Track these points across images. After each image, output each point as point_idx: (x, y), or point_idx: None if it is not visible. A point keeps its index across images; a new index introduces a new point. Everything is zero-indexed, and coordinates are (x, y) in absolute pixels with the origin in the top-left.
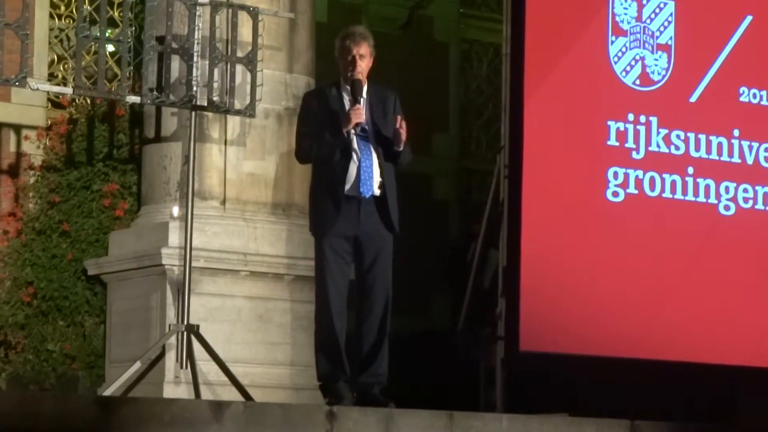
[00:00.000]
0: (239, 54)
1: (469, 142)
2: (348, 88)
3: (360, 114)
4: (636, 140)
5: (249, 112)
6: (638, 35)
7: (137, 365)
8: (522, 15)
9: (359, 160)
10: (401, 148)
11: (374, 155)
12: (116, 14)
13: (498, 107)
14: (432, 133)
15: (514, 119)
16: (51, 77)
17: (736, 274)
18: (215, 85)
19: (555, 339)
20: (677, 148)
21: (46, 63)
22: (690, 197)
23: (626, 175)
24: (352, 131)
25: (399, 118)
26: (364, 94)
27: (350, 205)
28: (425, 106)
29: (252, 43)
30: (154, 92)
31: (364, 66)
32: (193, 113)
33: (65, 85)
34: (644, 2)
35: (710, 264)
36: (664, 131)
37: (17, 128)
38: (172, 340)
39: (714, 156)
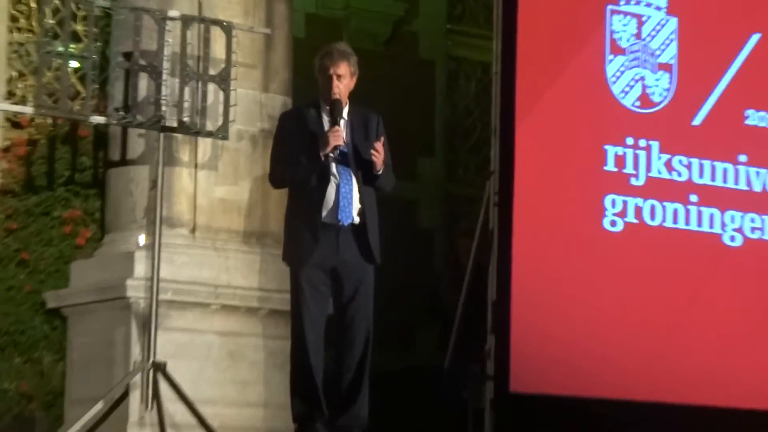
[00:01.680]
0: (212, 72)
1: (457, 167)
2: (327, 108)
3: (339, 136)
4: (635, 166)
5: (221, 133)
6: (638, 54)
7: (99, 405)
8: (513, 31)
9: (338, 186)
10: (379, 172)
11: (354, 180)
12: (80, 28)
13: (487, 130)
14: (417, 157)
15: (504, 143)
16: (9, 95)
17: (742, 309)
18: (186, 104)
19: (548, 379)
20: (679, 174)
21: (3, 80)
22: (693, 227)
23: (625, 203)
24: (331, 154)
25: (381, 141)
26: (345, 115)
27: (328, 234)
28: (410, 127)
29: (225, 60)
30: (121, 112)
31: (342, 87)
32: (162, 135)
33: (24, 103)
34: (644, 19)
35: (715, 298)
36: (665, 156)
37: None
38: (137, 378)
39: (719, 183)
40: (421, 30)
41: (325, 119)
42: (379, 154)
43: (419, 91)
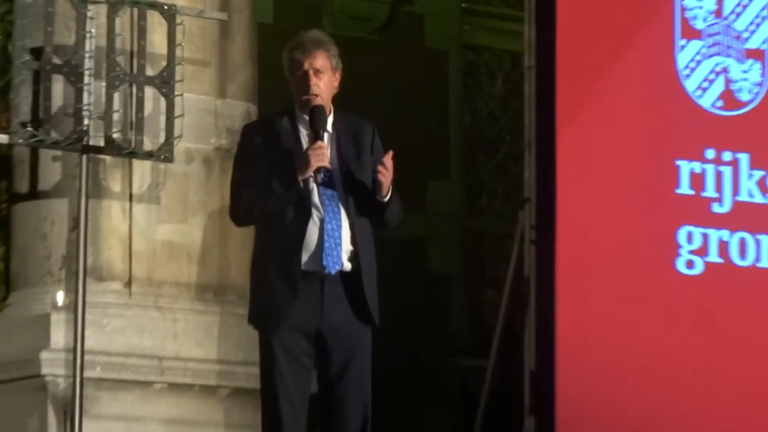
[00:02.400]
0: (150, 72)
1: (479, 193)
2: (305, 117)
3: (322, 154)
4: (718, 187)
5: (164, 154)
6: (718, 38)
7: None
8: (552, 11)
9: (321, 220)
10: (387, 197)
11: (343, 212)
12: None
13: (518, 142)
14: (426, 180)
15: (542, 159)
16: None
17: None
18: (116, 116)
19: None
20: None
21: None
22: None
23: (705, 237)
24: (312, 178)
25: (390, 154)
26: (329, 127)
27: (310, 286)
28: (415, 141)
29: (168, 56)
30: (28, 128)
31: (322, 86)
32: (85, 157)
33: None
34: None
35: None
36: (758, 173)
37: None
38: None
39: None
40: (428, 11)
41: (303, 132)
42: (387, 172)
43: (427, 92)
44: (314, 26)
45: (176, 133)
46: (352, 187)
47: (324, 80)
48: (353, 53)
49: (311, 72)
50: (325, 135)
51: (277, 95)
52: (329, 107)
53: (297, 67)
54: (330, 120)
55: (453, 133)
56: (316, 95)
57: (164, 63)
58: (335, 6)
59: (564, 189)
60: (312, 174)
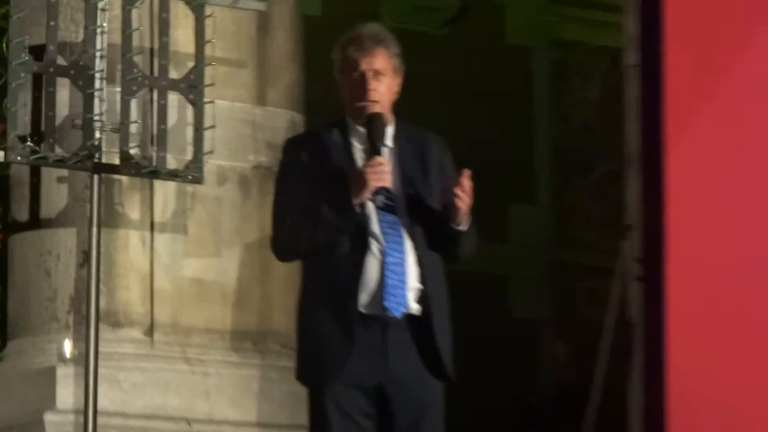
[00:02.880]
0: (174, 75)
1: (570, 219)
2: (360, 129)
3: (383, 172)
4: None
5: (192, 174)
6: None
7: None
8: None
9: (382, 253)
10: (463, 226)
11: (408, 243)
12: None
13: (619, 158)
14: (507, 205)
15: (648, 178)
16: None
17: None
18: (133, 128)
19: None
20: None
21: None
22: None
23: None
24: (370, 203)
25: (466, 174)
26: (389, 140)
27: (370, 333)
28: (493, 158)
29: (195, 55)
30: (28, 143)
31: (383, 91)
32: (96, 178)
33: None
34: None
35: None
36: None
37: None
38: None
39: None
40: (509, 1)
41: (357, 147)
42: (466, 196)
43: (507, 97)
44: (371, 19)
45: (206, 148)
46: (418, 212)
47: (384, 84)
48: (417, 51)
49: (369, 74)
50: (385, 149)
51: (327, 102)
52: (389, 116)
53: (352, 68)
54: (390, 132)
55: (539, 146)
56: (375, 102)
57: (191, 64)
58: None
59: (675, 214)
60: (370, 197)
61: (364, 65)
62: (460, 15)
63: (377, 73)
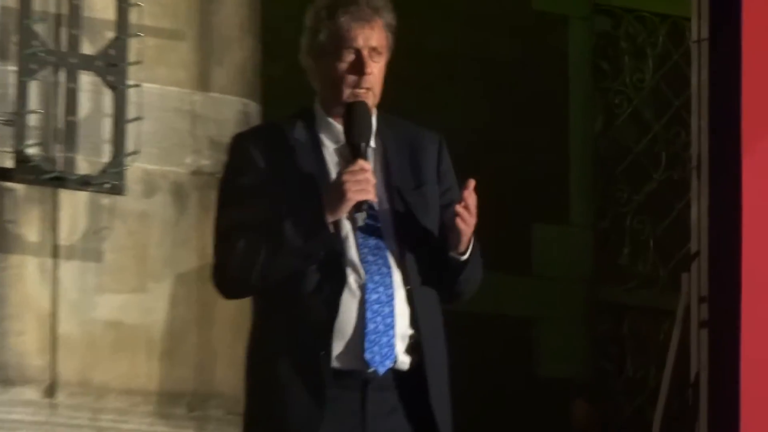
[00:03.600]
0: (88, 50)
1: (615, 245)
2: (334, 124)
3: (366, 181)
4: None
5: (110, 181)
6: None
7: None
8: None
9: (363, 288)
10: (467, 255)
11: (396, 274)
12: None
13: (681, 163)
14: (532, 225)
15: (719, 191)
16: None
17: None
18: (32, 120)
19: None
20: None
21: None
22: None
23: None
24: (347, 222)
25: (471, 185)
26: (372, 140)
27: (345, 394)
28: (514, 163)
29: (117, 24)
30: None
31: (378, 75)
32: None
33: None
34: None
35: None
36: None
37: None
38: None
39: None
40: None
41: (330, 146)
42: (469, 214)
43: (533, 82)
44: None
45: (130, 147)
46: (409, 235)
47: (379, 67)
48: (411, 21)
49: (366, 53)
50: (369, 151)
51: (291, 87)
52: (373, 107)
53: (343, 43)
54: (373, 125)
55: (574, 148)
56: (368, 89)
57: (111, 35)
58: None
59: (754, 239)
60: (348, 214)
61: (361, 40)
62: None
63: (374, 52)
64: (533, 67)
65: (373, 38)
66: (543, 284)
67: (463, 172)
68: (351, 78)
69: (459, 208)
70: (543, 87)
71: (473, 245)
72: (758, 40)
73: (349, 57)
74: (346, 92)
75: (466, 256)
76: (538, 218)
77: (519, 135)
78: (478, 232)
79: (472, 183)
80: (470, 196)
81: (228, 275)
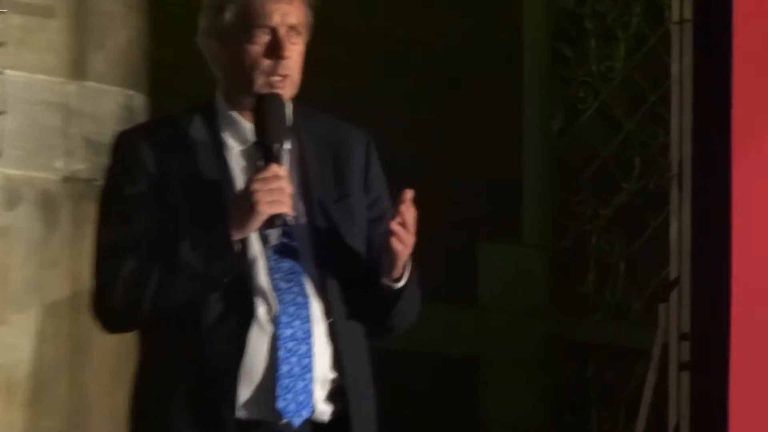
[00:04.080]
0: None
1: (577, 268)
2: (240, 120)
3: (282, 192)
4: None
5: None
6: None
7: None
8: None
9: (276, 322)
10: (402, 281)
11: (314, 306)
12: None
13: (658, 170)
14: (477, 243)
15: (703, 203)
16: None
17: None
18: None
19: None
20: None
21: None
22: None
23: None
24: (256, 240)
25: (407, 197)
26: (287, 140)
27: None
28: (456, 167)
29: None
30: None
31: (297, 59)
32: None
33: None
34: None
35: None
36: None
37: None
38: None
39: None
40: None
41: (235, 147)
42: (405, 234)
43: (480, 70)
44: None
45: None
46: (332, 256)
47: (298, 50)
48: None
49: (283, 32)
50: (283, 152)
51: (184, 75)
52: (289, 99)
53: (255, 20)
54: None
55: (529, 150)
56: (285, 77)
57: None
58: None
59: (745, 262)
60: (259, 230)
61: (277, 17)
62: None
63: (293, 31)
64: (480, 51)
65: (292, 14)
66: (490, 317)
67: (396, 179)
68: (265, 63)
69: (394, 225)
70: (492, 75)
71: (410, 270)
72: (752, 19)
73: (263, 38)
74: (259, 81)
75: (401, 283)
76: (485, 237)
77: (463, 134)
78: (415, 253)
79: (409, 194)
80: (407, 210)
81: (110, 303)
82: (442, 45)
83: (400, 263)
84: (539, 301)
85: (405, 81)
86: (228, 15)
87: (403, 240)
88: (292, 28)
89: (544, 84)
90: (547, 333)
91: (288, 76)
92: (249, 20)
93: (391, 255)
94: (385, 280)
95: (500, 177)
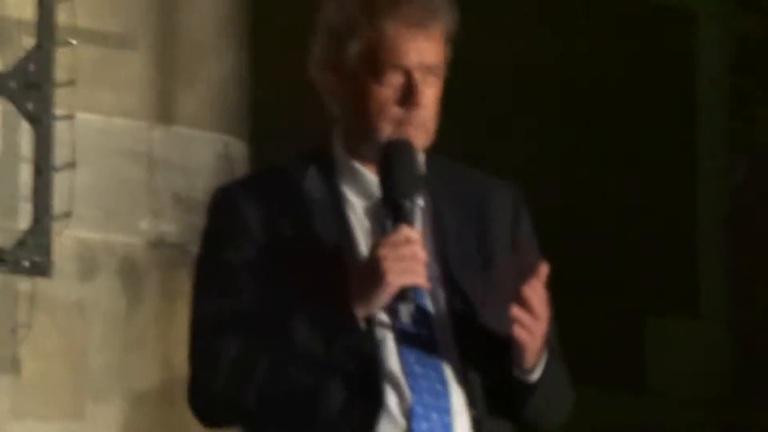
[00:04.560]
0: None
1: (764, 346)
2: (364, 173)
3: (416, 260)
4: None
5: (30, 258)
6: None
7: None
8: None
9: (409, 415)
10: (536, 373)
11: (455, 395)
12: None
13: None
14: (643, 320)
15: None
16: None
17: None
18: None
19: None
20: None
21: None
22: None
23: None
24: (384, 317)
25: (536, 276)
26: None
27: None
28: (615, 229)
29: (37, 26)
30: None
31: (433, 104)
32: None
33: None
34: None
35: None
36: None
37: None
38: None
39: None
40: None
41: (357, 203)
42: (531, 318)
43: (643, 106)
44: None
45: (58, 207)
46: (475, 338)
47: (434, 92)
48: (476, 22)
49: (418, 75)
50: (416, 212)
51: (290, 116)
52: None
53: (387, 57)
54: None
55: (705, 206)
56: (419, 127)
57: (30, 42)
58: None
59: None
60: (388, 306)
61: (413, 56)
62: None
63: (428, 72)
64: (646, 85)
65: (430, 52)
66: (661, 403)
67: (548, 241)
68: (395, 110)
69: (516, 311)
70: (659, 116)
71: (547, 358)
72: None
73: (395, 78)
74: (387, 130)
75: (534, 376)
76: (655, 311)
77: (623, 187)
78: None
79: (543, 270)
80: (534, 293)
81: (210, 394)
82: (606, 76)
83: (529, 354)
84: (718, 387)
85: (555, 119)
86: (352, 46)
87: (530, 327)
88: (429, 68)
89: (723, 125)
90: (728, 426)
91: (422, 125)
92: (379, 56)
93: (516, 344)
94: (517, 372)
95: (671, 239)
